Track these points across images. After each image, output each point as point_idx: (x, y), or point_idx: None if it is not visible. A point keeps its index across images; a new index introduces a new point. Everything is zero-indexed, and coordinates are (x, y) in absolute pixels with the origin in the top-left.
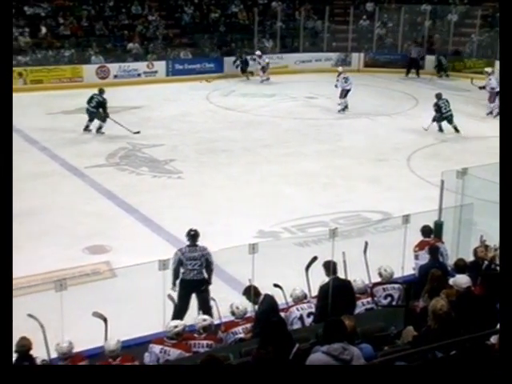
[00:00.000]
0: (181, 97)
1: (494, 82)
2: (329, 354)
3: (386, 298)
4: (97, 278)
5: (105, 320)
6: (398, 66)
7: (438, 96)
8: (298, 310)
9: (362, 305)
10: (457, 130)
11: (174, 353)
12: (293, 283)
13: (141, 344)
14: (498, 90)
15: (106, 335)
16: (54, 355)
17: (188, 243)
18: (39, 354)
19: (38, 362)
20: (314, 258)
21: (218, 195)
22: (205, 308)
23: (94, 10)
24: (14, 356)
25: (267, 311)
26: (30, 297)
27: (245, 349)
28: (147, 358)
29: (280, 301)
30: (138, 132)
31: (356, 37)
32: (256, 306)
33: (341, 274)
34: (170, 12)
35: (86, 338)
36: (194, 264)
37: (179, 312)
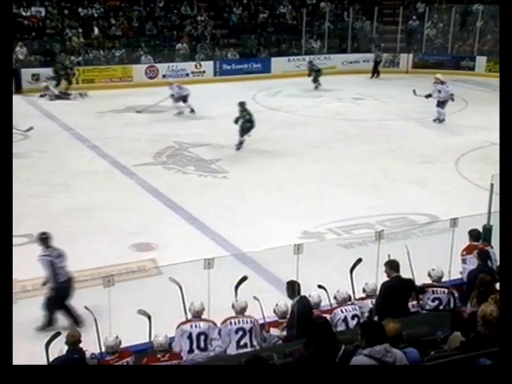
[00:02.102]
0: (227, 97)
1: (449, 88)
2: (371, 356)
3: (433, 300)
4: (142, 275)
5: (149, 317)
6: (447, 67)
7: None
8: (342, 311)
9: None
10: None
11: (204, 325)
12: (337, 285)
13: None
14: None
15: (150, 332)
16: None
17: (44, 247)
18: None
19: (88, 355)
20: (359, 260)
21: (263, 195)
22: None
23: (145, 10)
24: (65, 348)
25: (300, 313)
26: (79, 292)
27: (289, 349)
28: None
29: (324, 302)
30: (31, 128)
31: (405, 37)
32: (290, 302)
33: (385, 277)
34: (219, 12)
35: (131, 333)
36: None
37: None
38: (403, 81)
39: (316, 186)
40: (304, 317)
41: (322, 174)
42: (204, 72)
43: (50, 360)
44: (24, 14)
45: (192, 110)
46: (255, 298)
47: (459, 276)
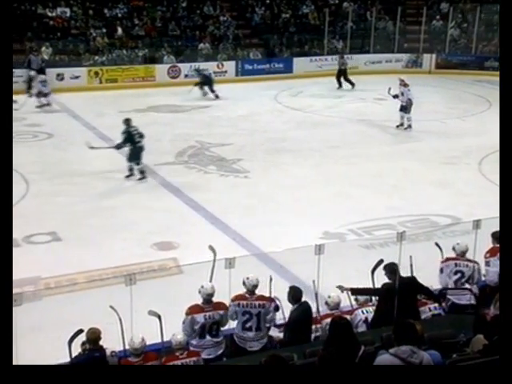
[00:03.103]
0: (249, 96)
1: (412, 92)
2: (397, 356)
3: (456, 273)
4: (164, 274)
5: (159, 317)
6: (471, 67)
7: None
8: (363, 312)
9: (428, 310)
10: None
11: (217, 315)
12: (358, 285)
13: None
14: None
15: (161, 332)
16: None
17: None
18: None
19: (108, 353)
20: (380, 261)
21: (284, 195)
22: None
23: (168, 10)
24: (85, 346)
25: (296, 320)
26: (101, 289)
27: (309, 349)
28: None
29: (344, 303)
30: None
31: (428, 38)
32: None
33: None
34: (241, 12)
35: (152, 332)
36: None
37: None
38: (426, 81)
39: (337, 186)
40: (299, 324)
41: (343, 175)
42: (226, 72)
43: (74, 357)
44: (50, 14)
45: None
46: (275, 297)
47: (482, 278)
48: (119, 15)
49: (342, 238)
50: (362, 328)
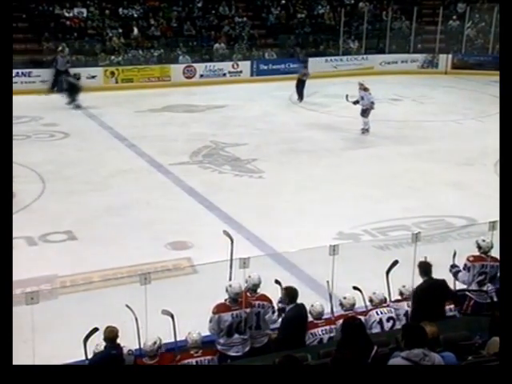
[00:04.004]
0: (264, 97)
1: (371, 97)
2: (409, 359)
3: (480, 274)
4: (178, 274)
5: (172, 317)
6: (488, 67)
7: None
8: (377, 313)
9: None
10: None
11: (244, 314)
12: (372, 286)
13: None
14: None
15: (174, 331)
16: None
17: None
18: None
19: (125, 351)
20: (395, 262)
21: (299, 195)
22: None
23: (184, 10)
24: (103, 344)
25: (289, 321)
26: (116, 288)
27: (323, 350)
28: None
29: (359, 304)
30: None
31: (444, 38)
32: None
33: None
34: (257, 12)
35: (166, 331)
36: None
37: None
38: (442, 82)
39: (352, 186)
40: (293, 323)
41: (357, 175)
42: (241, 72)
43: (89, 355)
44: (66, 14)
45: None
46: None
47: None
48: (135, 15)
49: (356, 239)
50: (376, 329)
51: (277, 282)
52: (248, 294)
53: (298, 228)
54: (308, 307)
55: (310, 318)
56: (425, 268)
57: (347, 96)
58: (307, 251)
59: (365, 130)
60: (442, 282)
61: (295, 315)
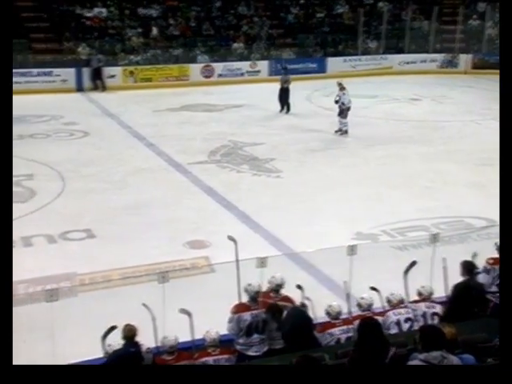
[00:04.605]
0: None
1: (347, 97)
2: (427, 362)
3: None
4: (195, 273)
5: (189, 315)
6: None
7: None
8: (395, 314)
9: None
10: None
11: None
12: (390, 287)
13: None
14: (349, 105)
15: (192, 330)
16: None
17: None
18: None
19: (143, 349)
20: (413, 263)
21: (317, 195)
22: None
23: (203, 10)
24: (121, 342)
25: (296, 327)
26: (134, 287)
27: (341, 350)
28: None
29: (377, 304)
30: None
31: (464, 37)
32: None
33: (439, 281)
34: (275, 12)
35: (183, 329)
36: None
37: None
38: (461, 81)
39: (370, 187)
40: (297, 330)
41: (376, 175)
42: (259, 71)
43: (107, 353)
44: (87, 14)
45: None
46: (307, 298)
47: None
48: (154, 15)
49: (374, 239)
50: (393, 330)
51: (299, 287)
52: (271, 294)
53: (315, 228)
54: (326, 307)
55: (328, 318)
56: (469, 267)
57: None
58: (325, 251)
59: (342, 132)
60: (481, 285)
61: (296, 321)
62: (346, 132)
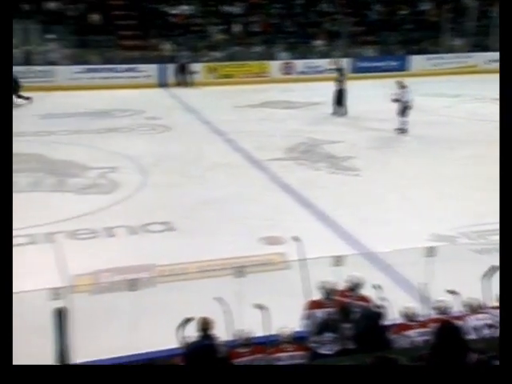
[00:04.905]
0: (362, 94)
1: (410, 95)
2: None
3: None
4: (271, 269)
5: (265, 311)
6: None
7: None
8: (473, 319)
9: None
10: None
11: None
12: (469, 291)
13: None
14: (412, 104)
15: (266, 325)
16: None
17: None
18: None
19: (218, 342)
20: (493, 268)
21: (395, 195)
22: None
23: (285, 7)
24: (196, 334)
25: (370, 327)
26: (210, 280)
27: (416, 353)
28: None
29: (454, 308)
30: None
31: None
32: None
33: None
34: (358, 9)
35: (257, 324)
36: None
37: None
38: None
39: (450, 187)
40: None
41: (457, 176)
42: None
43: (183, 345)
44: (172, 12)
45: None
46: (384, 298)
47: None
48: (237, 12)
49: (452, 241)
50: (472, 335)
51: (375, 286)
52: (347, 293)
53: (392, 227)
54: (401, 308)
55: (403, 320)
56: None
57: (392, 95)
58: (402, 252)
59: (402, 130)
60: None
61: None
62: (406, 131)
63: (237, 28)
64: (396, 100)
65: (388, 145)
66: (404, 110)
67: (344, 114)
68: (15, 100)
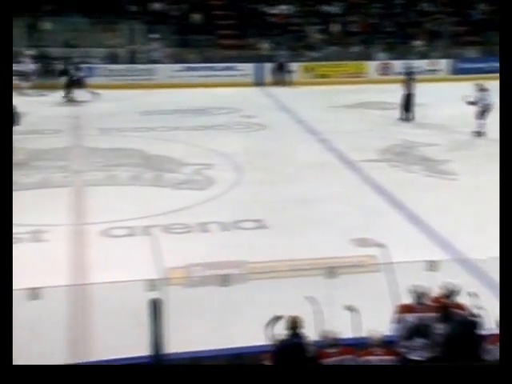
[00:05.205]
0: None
1: (490, 97)
2: None
3: None
4: (361, 271)
5: (355, 312)
6: None
7: None
8: None
9: None
10: None
11: (429, 318)
12: None
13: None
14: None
15: (356, 327)
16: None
17: None
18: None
19: (307, 341)
20: None
21: (494, 202)
22: None
23: (385, 7)
24: (285, 332)
25: (465, 336)
26: (300, 279)
27: None
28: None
29: None
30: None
31: None
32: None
33: None
34: (460, 8)
35: (345, 326)
36: None
37: None
38: None
39: None
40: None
41: None
42: (440, 70)
43: (272, 342)
44: (270, 11)
45: None
46: (480, 307)
47: None
48: (336, 12)
49: None
50: None
51: (471, 294)
52: (442, 300)
53: (489, 235)
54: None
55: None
56: None
57: (466, 97)
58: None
59: (479, 133)
60: None
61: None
62: (483, 134)
63: (335, 28)
64: (472, 103)
65: (489, 151)
66: (483, 112)
67: (411, 119)
68: (84, 96)
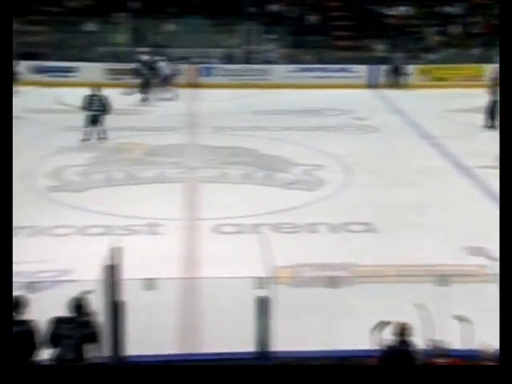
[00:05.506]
0: None
1: None
2: None
3: None
4: (472, 280)
5: (466, 323)
6: None
7: None
8: None
9: None
10: None
11: None
12: None
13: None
14: None
15: (466, 339)
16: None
17: None
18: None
19: (415, 349)
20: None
21: None
22: None
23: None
24: (392, 338)
25: None
26: (407, 285)
27: None
28: None
29: None
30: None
31: None
32: None
33: None
34: None
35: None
36: None
37: None
38: None
39: None
40: None
41: None
42: None
43: (377, 348)
44: (388, 13)
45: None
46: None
47: None
48: (456, 13)
49: None
50: None
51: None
52: None
53: None
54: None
55: None
56: None
57: None
58: None
59: None
60: None
61: None
62: None
63: (455, 29)
64: None
65: None
66: None
67: (495, 127)
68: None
